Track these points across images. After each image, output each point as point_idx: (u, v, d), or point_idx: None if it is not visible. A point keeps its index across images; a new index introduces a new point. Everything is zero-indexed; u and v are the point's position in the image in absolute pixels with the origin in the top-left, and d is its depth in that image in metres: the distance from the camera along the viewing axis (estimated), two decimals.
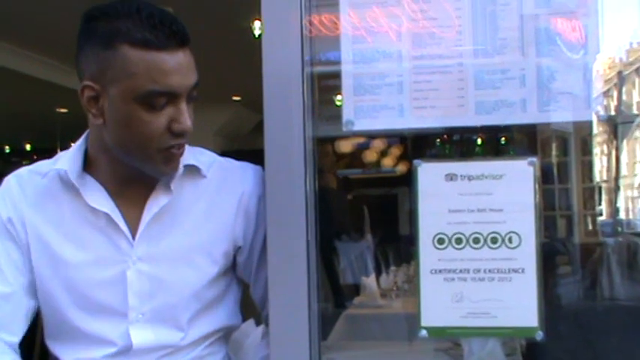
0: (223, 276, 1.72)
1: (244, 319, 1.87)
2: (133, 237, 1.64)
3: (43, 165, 1.71)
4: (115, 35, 1.50)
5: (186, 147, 1.67)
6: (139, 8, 1.50)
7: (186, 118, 1.53)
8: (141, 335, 1.64)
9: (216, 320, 1.73)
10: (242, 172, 1.74)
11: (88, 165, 1.67)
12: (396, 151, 5.79)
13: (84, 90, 1.56)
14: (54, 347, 1.71)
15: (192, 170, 1.68)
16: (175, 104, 1.52)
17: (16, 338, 1.68)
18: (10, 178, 1.70)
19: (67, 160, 1.65)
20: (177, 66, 1.51)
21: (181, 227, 1.67)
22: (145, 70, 1.49)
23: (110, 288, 1.64)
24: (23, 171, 1.71)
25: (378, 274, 4.66)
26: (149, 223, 1.64)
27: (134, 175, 1.64)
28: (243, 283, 1.79)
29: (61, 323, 1.68)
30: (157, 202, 1.64)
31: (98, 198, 1.63)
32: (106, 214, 1.62)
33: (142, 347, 1.64)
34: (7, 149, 14.99)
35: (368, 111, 1.48)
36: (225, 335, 1.78)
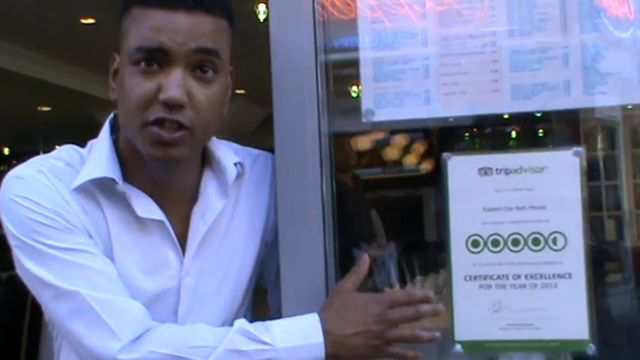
0: (254, 281, 1.72)
1: None
2: (183, 249, 1.60)
3: (55, 171, 1.58)
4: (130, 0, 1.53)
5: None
6: None
7: (172, 84, 1.47)
8: None
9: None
10: (264, 159, 1.73)
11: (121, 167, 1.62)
12: (419, 147, 5.79)
13: (112, 64, 1.58)
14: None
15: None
16: (168, 69, 1.49)
17: None
18: (45, 175, 1.55)
19: (105, 164, 1.58)
20: (173, 25, 1.49)
21: (230, 237, 1.65)
22: (139, 26, 1.50)
23: (155, 305, 1.59)
24: (49, 164, 1.57)
25: (403, 284, 4.65)
26: (205, 234, 1.61)
27: (172, 181, 1.61)
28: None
29: None
30: (210, 210, 1.62)
31: (147, 206, 1.58)
32: (159, 222, 1.59)
33: None
34: None
35: (390, 99, 1.49)
36: None
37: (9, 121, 11.85)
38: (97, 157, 1.59)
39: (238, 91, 10.97)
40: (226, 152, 1.65)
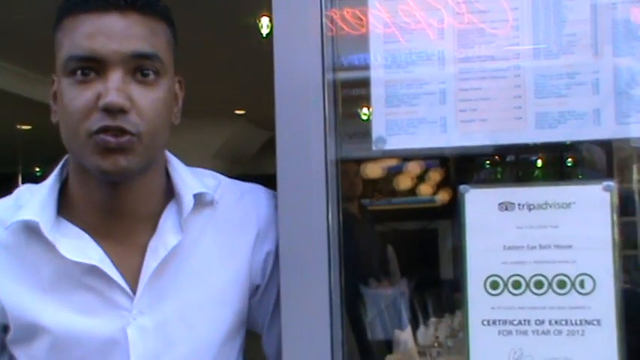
0: (238, 325, 1.72)
1: None
2: (132, 288, 1.62)
3: (2, 208, 1.67)
4: (61, 10, 1.58)
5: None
6: None
7: (110, 89, 1.50)
8: None
9: None
10: (254, 195, 1.75)
11: (64, 205, 1.66)
12: (435, 175, 5.81)
13: (52, 86, 1.61)
14: None
15: (198, 199, 1.67)
16: (105, 75, 1.52)
17: None
18: None
19: (38, 205, 1.62)
20: (104, 28, 1.53)
21: (191, 272, 1.66)
22: (70, 35, 1.54)
23: (108, 354, 1.62)
24: None
25: (415, 327, 4.66)
26: (155, 271, 1.62)
27: (124, 209, 1.63)
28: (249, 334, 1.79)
29: None
30: (163, 244, 1.63)
31: (81, 248, 1.61)
32: (94, 267, 1.60)
33: None
34: None
35: (403, 126, 1.49)
36: None
37: None
38: (33, 198, 1.64)
39: (238, 112, 11.03)
40: (187, 180, 1.68)
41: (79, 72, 1.53)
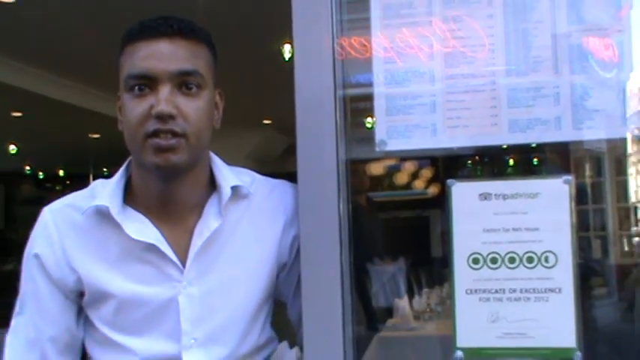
0: (268, 295, 1.73)
1: (279, 341, 1.87)
2: (182, 263, 1.63)
3: (79, 198, 1.69)
4: (123, 39, 1.62)
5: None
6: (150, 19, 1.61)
7: (160, 101, 1.54)
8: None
9: (258, 336, 1.73)
10: (282, 190, 1.75)
11: (129, 196, 1.68)
12: (427, 173, 5.77)
13: (118, 102, 1.64)
14: (98, 356, 1.71)
15: (235, 191, 1.68)
16: (156, 89, 1.55)
17: None
18: (46, 214, 1.67)
19: (108, 194, 1.65)
20: (155, 52, 1.56)
21: (230, 251, 1.67)
22: (130, 59, 1.58)
23: (162, 316, 1.63)
24: (58, 205, 1.68)
25: (411, 296, 4.64)
26: (200, 248, 1.63)
27: (176, 199, 1.65)
28: (276, 303, 1.79)
29: (112, 343, 1.67)
30: (207, 227, 1.64)
31: (142, 230, 1.63)
32: (151, 245, 1.62)
33: None
34: (40, 175, 15.15)
35: (401, 131, 1.48)
36: (263, 356, 1.78)
37: (63, 147, 11.95)
38: (104, 189, 1.67)
39: (266, 121, 11.01)
40: (227, 175, 1.69)
41: (136, 88, 1.56)
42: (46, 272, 1.66)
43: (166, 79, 1.56)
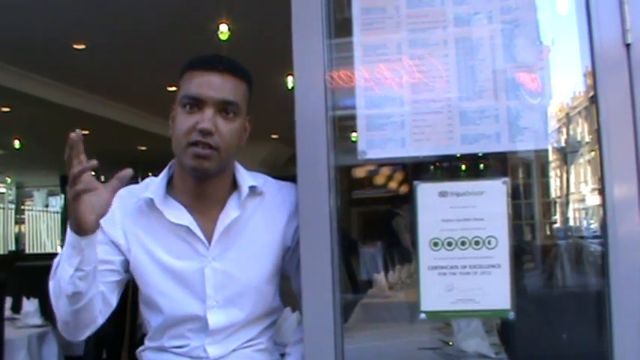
0: (275, 271, 1.73)
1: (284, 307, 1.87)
2: (209, 242, 1.65)
3: (137, 189, 1.72)
4: (185, 66, 1.63)
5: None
6: (208, 55, 1.64)
7: (204, 120, 1.56)
8: (216, 318, 1.66)
9: (268, 303, 1.74)
10: (288, 189, 1.75)
11: (171, 188, 1.70)
12: (399, 176, 5.78)
13: (172, 112, 1.66)
14: (145, 312, 1.73)
15: (252, 190, 1.69)
16: (203, 110, 1.57)
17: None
18: (115, 198, 1.61)
19: (154, 188, 1.68)
20: (208, 82, 1.58)
21: (246, 235, 1.68)
22: (188, 83, 1.60)
23: (193, 281, 1.65)
24: (123, 192, 1.65)
25: (386, 271, 4.65)
26: (222, 232, 1.65)
27: (206, 194, 1.66)
28: (283, 276, 1.79)
29: (154, 302, 1.68)
30: (228, 216, 1.66)
31: (179, 215, 1.65)
32: (186, 227, 1.64)
33: (216, 327, 1.66)
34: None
35: (378, 143, 1.48)
36: (272, 318, 1.78)
37: (117, 157, 11.91)
38: (152, 185, 1.69)
39: (274, 136, 10.99)
40: (245, 178, 1.70)
41: (188, 106, 1.58)
42: (105, 233, 1.66)
43: (212, 104, 1.57)
